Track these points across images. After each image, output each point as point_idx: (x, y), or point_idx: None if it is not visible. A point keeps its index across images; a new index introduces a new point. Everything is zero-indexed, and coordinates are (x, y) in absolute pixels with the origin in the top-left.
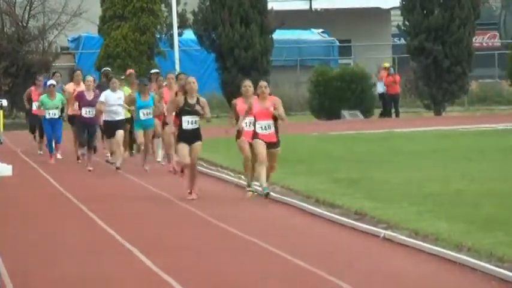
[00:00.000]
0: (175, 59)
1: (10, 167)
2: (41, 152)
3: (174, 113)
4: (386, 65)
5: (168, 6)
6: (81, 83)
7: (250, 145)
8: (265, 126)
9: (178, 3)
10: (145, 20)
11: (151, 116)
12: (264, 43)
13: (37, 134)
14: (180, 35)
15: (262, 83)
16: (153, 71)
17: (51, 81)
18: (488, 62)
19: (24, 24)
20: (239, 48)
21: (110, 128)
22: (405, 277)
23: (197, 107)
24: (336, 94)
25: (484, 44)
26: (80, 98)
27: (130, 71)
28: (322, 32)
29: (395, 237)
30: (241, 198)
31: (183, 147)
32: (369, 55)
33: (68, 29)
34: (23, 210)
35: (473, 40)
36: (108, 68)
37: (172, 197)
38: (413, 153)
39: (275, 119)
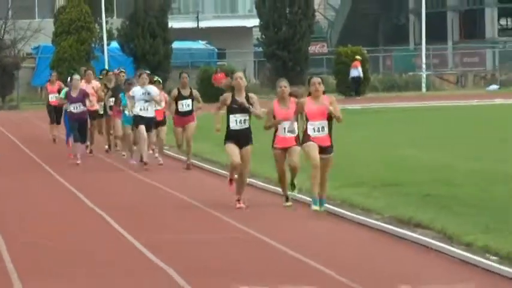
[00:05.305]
0: (105, 62)
1: None
2: (55, 134)
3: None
4: (359, 57)
5: (100, 25)
6: (92, 81)
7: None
8: (318, 128)
9: (106, 22)
10: (84, 35)
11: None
12: (166, 51)
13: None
14: (108, 44)
15: (316, 80)
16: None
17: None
18: (318, 63)
19: (1, 38)
20: (149, 54)
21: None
22: (311, 232)
23: (246, 105)
24: (216, 87)
25: (316, 51)
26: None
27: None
28: (206, 43)
29: (309, 201)
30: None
31: (232, 147)
32: (238, 59)
33: (31, 41)
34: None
35: (309, 49)
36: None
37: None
38: None
39: (330, 119)
